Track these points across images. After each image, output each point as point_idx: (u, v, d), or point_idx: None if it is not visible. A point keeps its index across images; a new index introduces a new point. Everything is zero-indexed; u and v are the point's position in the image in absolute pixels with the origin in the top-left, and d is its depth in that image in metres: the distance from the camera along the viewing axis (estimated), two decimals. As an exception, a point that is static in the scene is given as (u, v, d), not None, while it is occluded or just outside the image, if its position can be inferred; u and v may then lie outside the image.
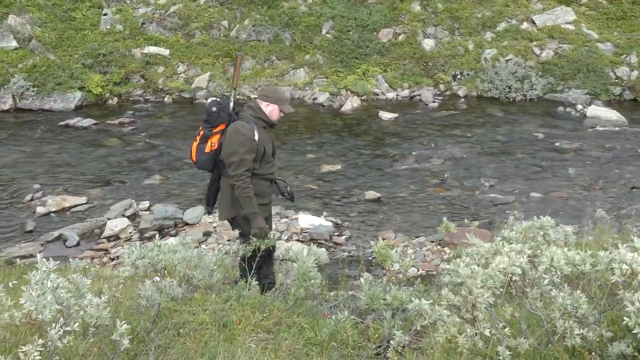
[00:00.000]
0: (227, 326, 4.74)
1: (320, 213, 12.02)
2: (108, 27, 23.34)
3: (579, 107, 20.38)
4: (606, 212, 10.89)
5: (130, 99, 21.56)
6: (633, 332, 3.06)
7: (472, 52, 23.17)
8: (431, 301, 3.95)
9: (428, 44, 23.42)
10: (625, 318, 3.10)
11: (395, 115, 19.57)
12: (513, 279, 3.71)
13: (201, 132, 6.19)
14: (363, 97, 21.28)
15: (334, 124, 18.89)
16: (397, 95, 21.71)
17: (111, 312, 4.06)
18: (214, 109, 6.11)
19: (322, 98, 21.24)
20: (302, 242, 10.48)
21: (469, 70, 22.62)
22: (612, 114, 19.26)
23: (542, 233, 4.50)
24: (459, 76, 22.55)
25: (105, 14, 23.70)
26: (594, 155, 16.00)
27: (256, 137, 6.06)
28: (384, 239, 10.66)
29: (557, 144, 16.78)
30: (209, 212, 6.75)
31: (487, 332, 3.53)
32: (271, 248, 6.17)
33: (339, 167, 15.00)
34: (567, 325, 3.40)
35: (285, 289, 5.39)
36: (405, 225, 11.71)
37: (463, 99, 21.58)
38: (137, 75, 22.17)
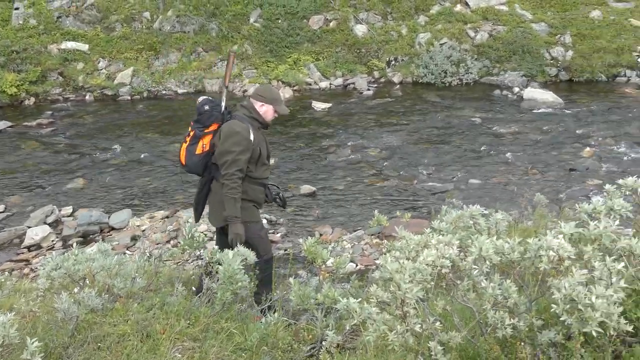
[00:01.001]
0: (150, 336, 4.49)
1: (254, 210, 11.74)
2: (21, 22, 22.55)
3: (516, 89, 20.55)
4: (545, 196, 10.94)
5: (49, 98, 20.84)
6: (561, 319, 2.95)
7: (405, 37, 23.11)
8: (360, 299, 3.78)
9: (360, 30, 23.27)
10: (553, 305, 2.98)
11: (329, 105, 19.40)
12: (442, 271, 3.58)
13: (191, 133, 5.99)
14: (295, 88, 21.03)
15: (266, 117, 18.55)
16: (330, 84, 21.52)
17: (27, 328, 3.81)
18: (207, 107, 5.93)
19: (252, 90, 20.67)
20: (236, 241, 10.20)
21: (404, 56, 22.56)
22: (549, 96, 19.45)
23: (472, 222, 4.36)
24: (393, 62, 22.49)
25: (16, 8, 22.85)
26: (532, 138, 16.10)
27: (252, 137, 5.85)
28: (320, 235, 10.67)
29: (494, 129, 16.85)
30: (197, 220, 6.48)
31: (417, 328, 3.38)
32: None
33: (272, 161, 14.68)
34: (498, 315, 3.27)
35: (211, 294, 5.16)
36: (343, 219, 11.54)
37: (398, 86, 21.54)
38: (54, 73, 21.40)
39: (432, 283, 3.58)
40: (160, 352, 4.28)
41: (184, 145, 6.01)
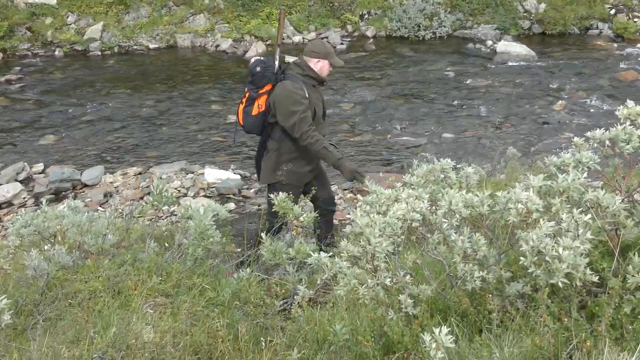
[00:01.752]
0: (122, 292, 4.49)
1: (227, 166, 11.67)
2: (-15, -25, 21.85)
3: (489, 43, 20.50)
4: (517, 149, 11.01)
5: (17, 53, 20.18)
6: (529, 271, 2.99)
7: (379, -10, 22.88)
8: (331, 253, 3.80)
9: (333, -17, 22.99)
10: (521, 258, 3.02)
11: (303, 60, 19.16)
12: (413, 225, 3.61)
13: (247, 94, 6.02)
14: (268, 42, 20.74)
15: (238, 72, 18.26)
16: (303, 38, 21.22)
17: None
18: (259, 68, 5.90)
19: (225, 45, 20.51)
20: (209, 197, 10.17)
21: (377, 10, 22.30)
22: (522, 49, 19.43)
23: (443, 176, 4.38)
24: (366, 16, 22.26)
25: (-19, -39, 22.15)
26: (505, 91, 16.10)
27: (307, 96, 5.88)
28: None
29: (468, 82, 16.82)
30: (259, 178, 6.53)
31: (388, 282, 3.41)
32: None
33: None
34: (467, 268, 3.31)
35: (184, 250, 5.15)
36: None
37: (372, 40, 21.35)
38: (22, 28, 20.67)
39: (403, 237, 3.61)
40: (131, 307, 4.28)
41: (241, 107, 6.07)
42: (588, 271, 2.96)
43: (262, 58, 6.12)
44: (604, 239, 3.41)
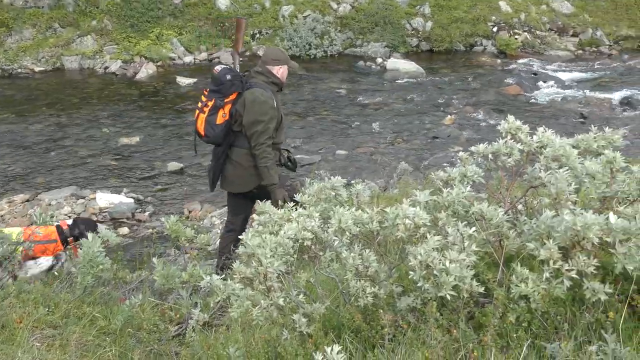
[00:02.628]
0: (6, 326, 4.29)
1: (120, 190, 11.44)
2: None
3: (379, 60, 20.93)
4: (409, 164, 11.25)
5: None
6: (418, 285, 3.04)
7: (269, 9, 22.96)
8: (224, 276, 3.76)
9: (223, 3, 22.88)
10: (411, 272, 3.07)
11: (194, 80, 19.04)
12: (305, 244, 3.61)
13: (209, 103, 5.96)
14: (159, 63, 20.49)
15: (129, 93, 18.02)
16: (194, 59, 21.14)
17: None
18: (229, 77, 5.93)
19: (115, 66, 20.16)
20: (102, 222, 9.91)
21: (268, 29, 22.45)
22: (411, 66, 19.93)
23: (334, 194, 4.40)
24: (257, 35, 22.34)
25: None
26: (396, 108, 16.45)
27: (275, 106, 6.00)
28: (189, 211, 10.50)
29: (360, 99, 17.10)
30: (213, 188, 6.52)
31: (281, 302, 3.39)
32: None
33: (138, 139, 14.33)
34: (359, 285, 3.33)
35: (73, 278, 4.99)
36: (211, 195, 11.38)
37: (260, 60, 21.39)
38: None
39: (295, 256, 3.61)
40: (17, 341, 4.10)
41: (202, 117, 5.99)
42: (474, 283, 3.03)
43: (228, 67, 6.18)
44: (489, 251, 3.51)
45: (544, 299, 3.01)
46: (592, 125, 4.39)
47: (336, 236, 3.56)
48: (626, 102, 17.08)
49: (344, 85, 18.43)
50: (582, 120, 15.60)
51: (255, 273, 3.46)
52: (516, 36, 23.00)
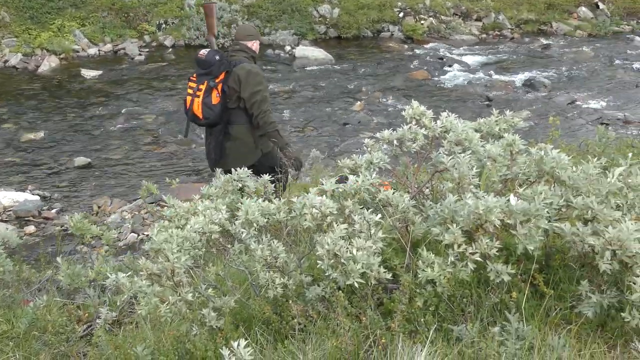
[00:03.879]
0: None
1: (24, 187, 11.05)
2: None
3: (288, 48, 20.88)
4: (321, 152, 11.26)
5: None
6: (327, 274, 3.04)
7: (174, -1, 22.57)
8: (130, 272, 3.67)
9: (127, -7, 22.39)
10: (319, 261, 3.07)
11: (99, 72, 18.49)
12: (213, 237, 3.57)
13: (202, 87, 6.16)
14: (62, 56, 19.79)
15: (31, 87, 17.30)
16: (99, 50, 20.55)
17: None
18: (218, 57, 6.16)
19: (15, 60, 19.25)
20: (6, 222, 9.58)
21: (174, 19, 22.04)
22: (320, 53, 19.94)
23: (241, 185, 4.37)
24: (163, 25, 21.93)
25: None
26: (306, 95, 16.43)
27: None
28: (99, 207, 10.26)
29: (270, 88, 16.98)
30: (214, 167, 6.25)
31: (190, 297, 3.33)
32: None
33: (42, 134, 13.82)
34: (269, 276, 3.31)
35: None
36: (122, 189, 11.16)
37: (171, 49, 21.03)
38: None
39: (203, 250, 3.56)
40: None
41: (198, 101, 6.20)
42: (382, 269, 3.05)
43: (214, 49, 6.39)
44: (396, 237, 3.54)
45: (449, 283, 3.06)
46: (494, 109, 4.47)
47: (244, 228, 3.52)
48: (529, 84, 17.58)
49: (253, 74, 18.28)
50: (487, 103, 15.97)
51: (162, 269, 3.40)
52: (422, 21, 23.33)
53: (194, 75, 6.27)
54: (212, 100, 6.16)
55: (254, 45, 6.53)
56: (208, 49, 6.38)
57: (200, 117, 6.25)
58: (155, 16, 21.88)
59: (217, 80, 6.17)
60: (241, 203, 3.64)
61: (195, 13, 21.70)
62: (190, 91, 6.26)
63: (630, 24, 25.23)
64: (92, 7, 21.54)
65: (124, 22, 21.59)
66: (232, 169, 4.42)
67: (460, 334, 2.97)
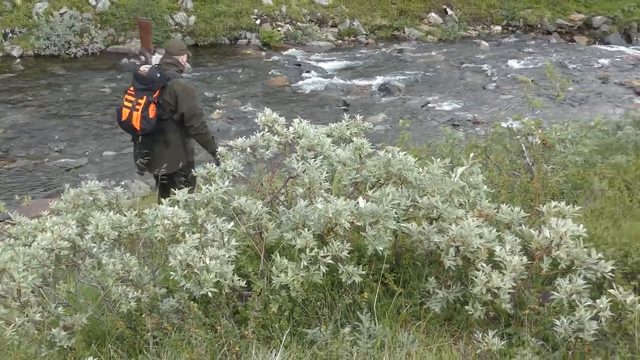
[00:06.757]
0: None
1: None
2: None
3: (143, 57, 20.44)
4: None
5: None
6: (181, 285, 3.01)
7: (21, 7, 21.50)
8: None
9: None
10: (172, 272, 3.03)
11: None
12: (62, 253, 3.45)
13: (141, 101, 6.42)
14: None
15: None
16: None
17: None
18: (158, 75, 6.45)
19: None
20: None
21: (21, 27, 21.11)
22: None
23: (92, 198, 4.25)
24: (10, 35, 20.96)
25: None
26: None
27: None
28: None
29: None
30: (142, 173, 7.13)
31: (38, 317, 3.21)
32: None
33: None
34: (121, 290, 3.23)
35: None
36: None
37: (19, 60, 20.11)
38: None
39: (52, 267, 3.43)
40: None
41: (137, 114, 6.44)
42: (236, 277, 3.06)
43: (154, 65, 6.69)
44: (250, 244, 3.55)
45: (303, 287, 3.10)
46: (348, 114, 4.57)
47: (95, 242, 3.43)
48: (384, 89, 18.05)
49: (109, 84, 17.82)
50: (345, 108, 16.27)
51: (7, 289, 3.25)
52: (279, 28, 23.49)
53: (131, 88, 6.56)
54: (150, 114, 6.47)
55: (184, 59, 6.92)
56: (148, 66, 6.70)
57: (138, 129, 6.53)
58: (1, 25, 20.89)
59: (154, 96, 6.48)
60: (92, 217, 3.54)
61: (45, 22, 20.89)
62: (128, 104, 6.52)
63: (476, 29, 26.40)
64: None
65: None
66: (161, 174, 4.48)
67: (314, 336, 3.02)
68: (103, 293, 3.46)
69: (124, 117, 6.56)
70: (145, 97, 6.46)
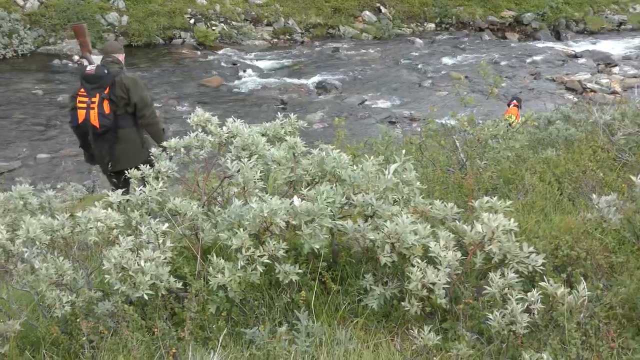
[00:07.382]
0: None
1: None
2: None
3: (76, 57, 20.10)
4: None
5: None
6: (116, 288, 2.98)
7: (-60, 9, 20.96)
8: None
9: None
10: (107, 276, 3.00)
11: None
12: (-8, 260, 3.37)
13: (95, 99, 6.45)
14: None
15: None
16: None
17: None
18: (106, 71, 6.48)
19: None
20: None
21: (-57, 30, 20.53)
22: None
23: (22, 203, 4.16)
24: None
25: None
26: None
27: None
28: None
29: (59, 99, 16.25)
30: (106, 171, 6.91)
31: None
32: None
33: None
34: (55, 295, 3.18)
35: None
36: None
37: None
38: None
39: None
40: None
41: (94, 112, 6.48)
42: (172, 279, 3.03)
43: (99, 64, 6.65)
44: (187, 245, 3.53)
45: (240, 287, 3.09)
46: (283, 113, 4.57)
47: (26, 247, 3.36)
48: (321, 87, 18.14)
49: (41, 86, 17.47)
50: (282, 106, 16.29)
51: None
52: (213, 27, 23.36)
53: (81, 90, 6.58)
54: (106, 110, 6.49)
55: (122, 57, 6.94)
56: (94, 65, 6.72)
57: (98, 126, 6.54)
58: None
59: (105, 92, 6.50)
60: (23, 221, 3.47)
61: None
62: (82, 105, 6.54)
63: (410, 27, 26.72)
64: None
65: None
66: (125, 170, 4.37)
67: (252, 336, 3.01)
68: (37, 298, 3.39)
69: (81, 118, 6.59)
70: (97, 95, 6.50)
